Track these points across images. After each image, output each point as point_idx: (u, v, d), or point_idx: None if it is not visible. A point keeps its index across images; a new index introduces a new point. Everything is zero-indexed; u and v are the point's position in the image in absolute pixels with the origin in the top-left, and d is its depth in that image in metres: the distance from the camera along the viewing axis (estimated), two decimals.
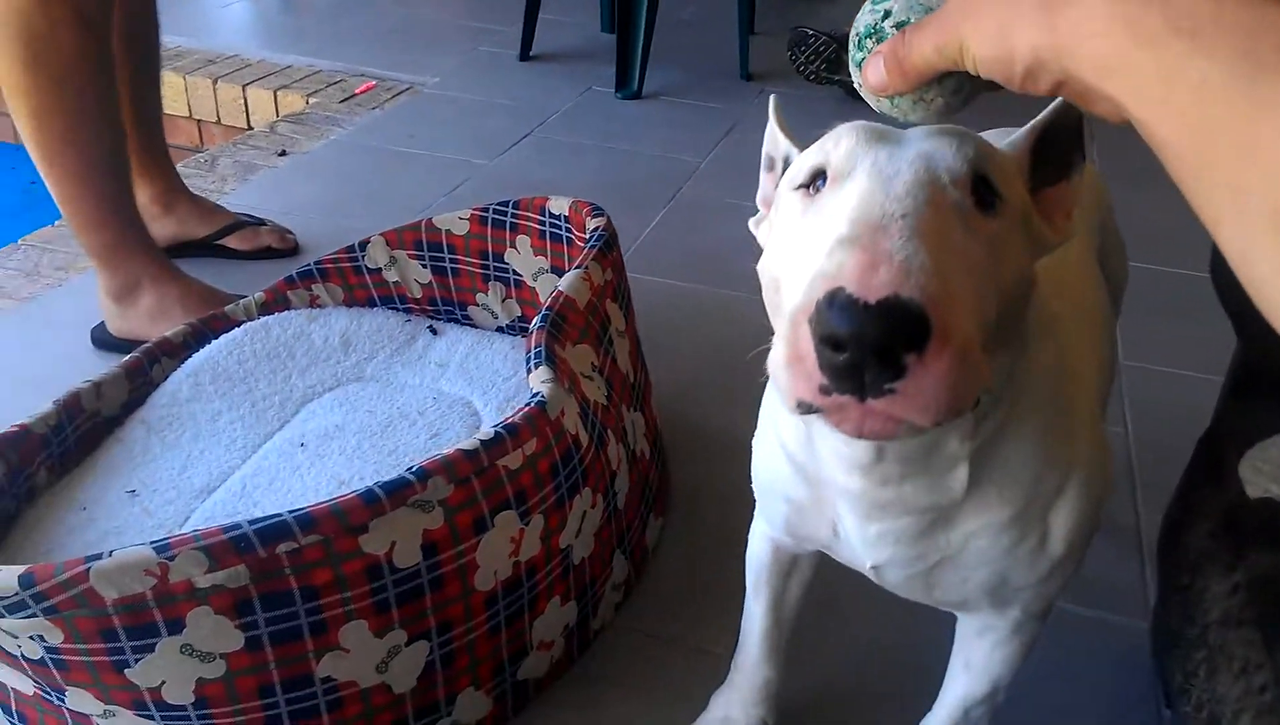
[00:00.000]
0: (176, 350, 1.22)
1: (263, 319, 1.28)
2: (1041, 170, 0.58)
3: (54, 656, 0.73)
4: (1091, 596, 1.11)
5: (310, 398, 1.22)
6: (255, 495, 1.04)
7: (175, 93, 2.56)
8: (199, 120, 2.61)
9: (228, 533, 0.74)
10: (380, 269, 1.38)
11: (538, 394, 0.94)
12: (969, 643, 0.75)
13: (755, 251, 0.61)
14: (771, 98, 0.68)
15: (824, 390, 0.43)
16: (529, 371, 1.00)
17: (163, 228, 1.61)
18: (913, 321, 0.41)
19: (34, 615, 0.70)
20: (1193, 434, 1.02)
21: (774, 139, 0.66)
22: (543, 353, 1.01)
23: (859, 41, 0.52)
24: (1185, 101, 0.35)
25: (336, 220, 1.85)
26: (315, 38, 2.90)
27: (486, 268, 1.39)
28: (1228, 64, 0.34)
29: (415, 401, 1.22)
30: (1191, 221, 0.38)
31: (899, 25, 0.50)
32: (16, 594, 0.70)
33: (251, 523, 0.76)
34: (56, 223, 1.81)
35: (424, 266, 1.39)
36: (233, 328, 1.27)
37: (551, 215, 1.33)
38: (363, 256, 1.38)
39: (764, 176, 0.68)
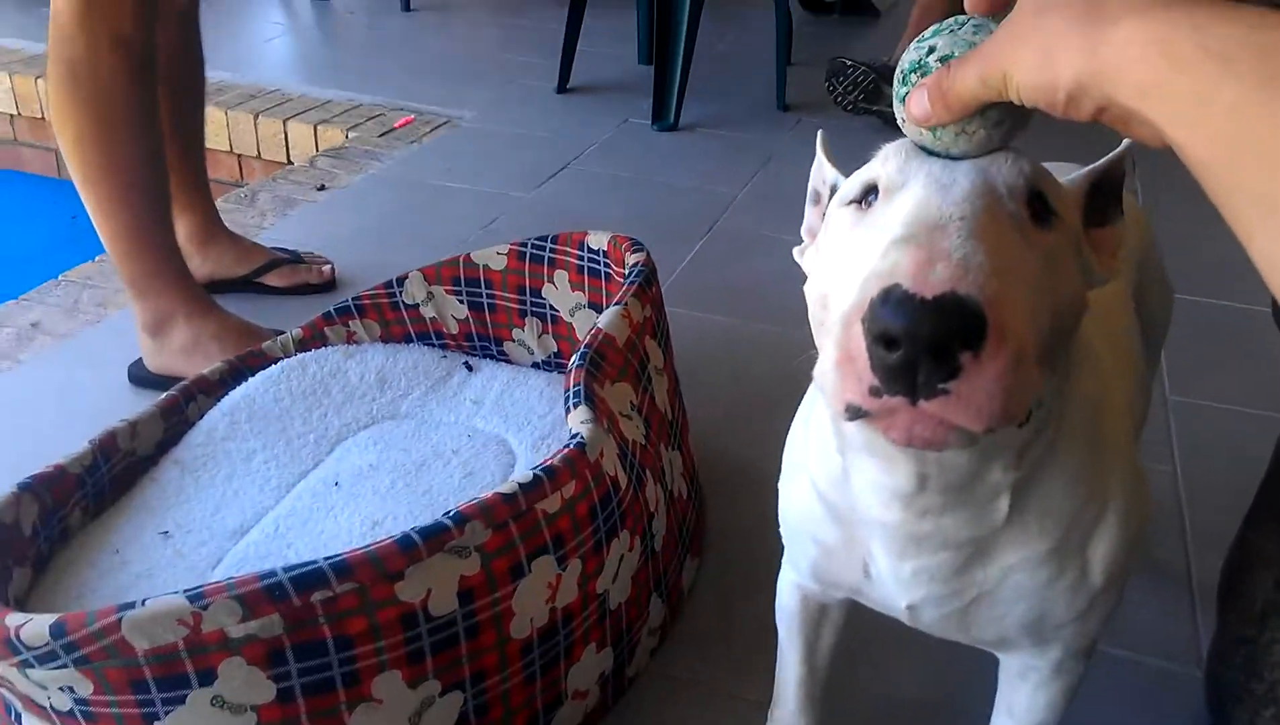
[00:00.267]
0: (213, 388, 1.22)
1: (300, 356, 1.28)
2: (1093, 213, 0.59)
3: (82, 708, 0.72)
4: (1142, 642, 1.07)
5: (345, 436, 1.21)
6: (289, 537, 1.02)
7: (217, 127, 2.59)
8: (239, 155, 2.64)
9: (263, 581, 0.73)
10: (417, 305, 1.38)
11: (577, 435, 0.93)
12: (1011, 687, 0.72)
13: (793, 283, 0.60)
14: (819, 132, 0.68)
15: (874, 392, 0.43)
16: (568, 411, 0.98)
17: (201, 265, 1.62)
18: (970, 318, 0.41)
19: (64, 666, 0.69)
20: (1245, 473, 0.99)
21: (820, 171, 0.66)
22: (582, 392, 0.99)
23: (904, 77, 0.52)
24: (1217, 122, 0.37)
25: (374, 254, 1.85)
26: (355, 72, 2.93)
27: (524, 303, 1.37)
28: (1255, 86, 0.36)
29: (450, 439, 1.20)
30: (1245, 255, 0.39)
31: (943, 59, 0.50)
32: (47, 644, 0.69)
33: (287, 570, 0.74)
34: (97, 258, 1.82)
35: (461, 302, 1.38)
36: (270, 365, 1.26)
37: (590, 250, 1.32)
38: (400, 292, 1.37)
39: (809, 209, 0.67)
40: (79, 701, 0.72)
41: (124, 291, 1.44)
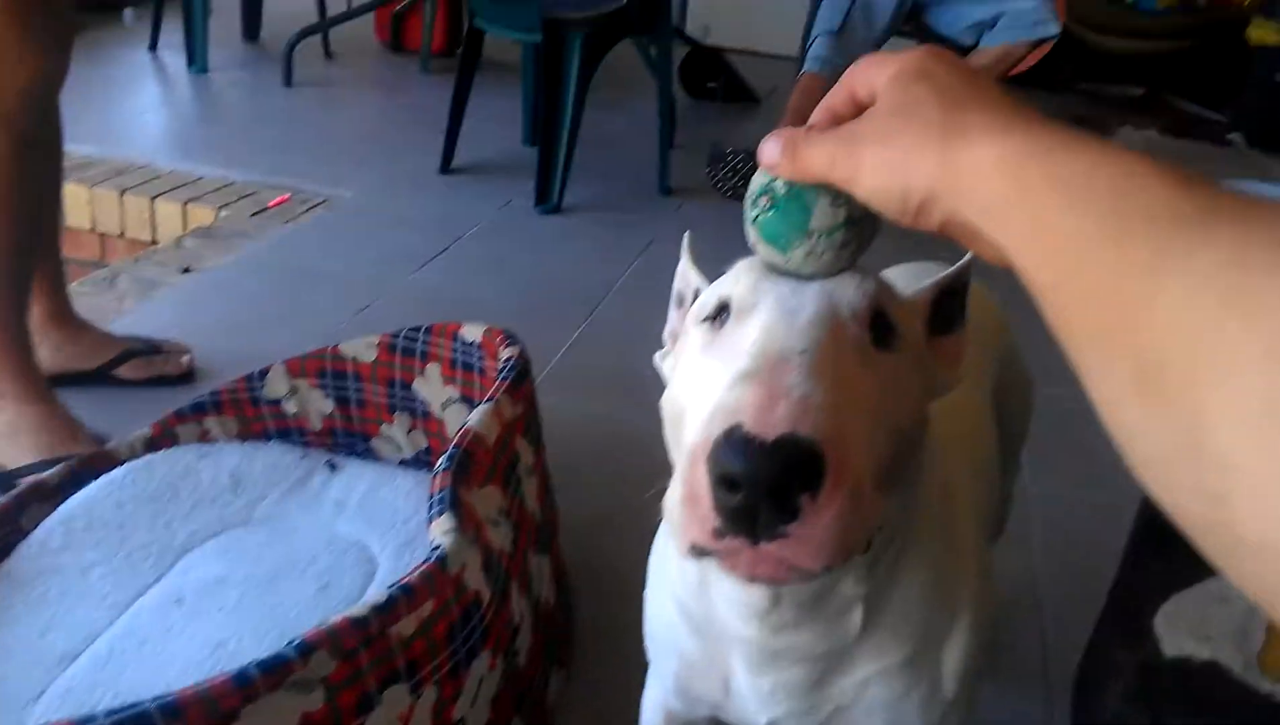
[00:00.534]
0: (51, 493, 1.13)
1: (147, 457, 1.20)
2: (939, 320, 0.61)
3: None
4: None
5: (192, 545, 1.14)
6: (122, 662, 0.94)
7: (79, 205, 2.47)
8: (102, 234, 2.52)
9: None
10: (279, 400, 1.32)
11: (438, 547, 0.88)
12: None
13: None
14: (686, 235, 0.68)
15: (717, 533, 0.43)
16: (430, 519, 0.94)
17: (48, 357, 1.52)
18: (808, 461, 0.42)
19: None
20: (1101, 563, 1.00)
21: (684, 275, 0.66)
22: (447, 498, 0.95)
23: (753, 199, 0.53)
24: (1060, 254, 0.36)
25: (238, 342, 1.78)
26: (230, 148, 2.85)
27: (393, 397, 1.33)
28: (1099, 221, 0.35)
29: (307, 547, 1.14)
30: None
31: (790, 185, 0.51)
32: None
33: (109, 714, 0.68)
34: None
35: (327, 396, 1.32)
36: (114, 467, 1.18)
37: (464, 342, 1.28)
38: (261, 386, 1.31)
39: (673, 312, 0.68)
40: None
41: None
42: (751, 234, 0.53)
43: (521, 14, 2.46)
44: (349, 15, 3.91)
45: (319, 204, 2.52)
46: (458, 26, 4.00)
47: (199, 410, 1.29)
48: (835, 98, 0.51)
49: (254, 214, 2.43)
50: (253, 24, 4.13)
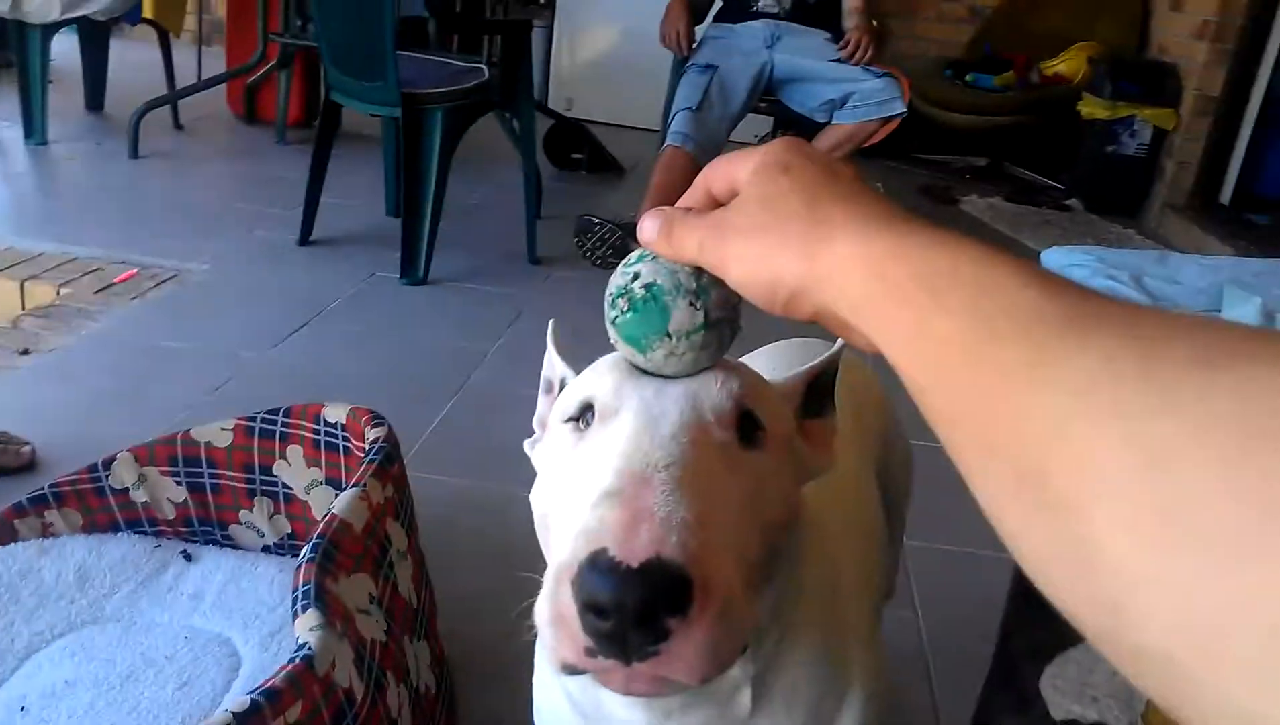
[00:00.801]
0: None
1: None
2: (813, 404, 0.62)
3: None
4: None
5: (36, 648, 1.05)
6: None
7: None
8: None
9: None
10: (126, 489, 1.23)
11: (304, 645, 0.83)
12: None
13: None
14: (551, 322, 0.67)
15: (589, 652, 0.42)
16: (295, 615, 0.89)
17: None
18: (675, 585, 0.41)
19: None
20: (986, 616, 1.01)
21: (551, 362, 0.66)
22: (312, 591, 0.90)
23: (612, 301, 0.52)
24: (931, 354, 0.36)
25: (83, 428, 1.67)
26: (73, 222, 2.71)
27: (252, 482, 1.26)
28: (964, 322, 0.34)
29: (164, 643, 1.06)
30: None
31: (647, 286, 0.50)
32: None
33: None
34: None
35: (179, 483, 1.25)
36: None
37: (328, 423, 1.23)
38: (106, 476, 1.23)
39: (542, 398, 0.67)
40: None
41: None
42: (612, 333, 0.52)
43: (380, 90, 2.43)
44: (199, 87, 3.80)
45: (169, 278, 2.41)
46: (315, 95, 3.94)
47: (39, 503, 1.19)
48: (692, 198, 0.51)
49: (99, 291, 2.30)
50: (96, 94, 3.98)
